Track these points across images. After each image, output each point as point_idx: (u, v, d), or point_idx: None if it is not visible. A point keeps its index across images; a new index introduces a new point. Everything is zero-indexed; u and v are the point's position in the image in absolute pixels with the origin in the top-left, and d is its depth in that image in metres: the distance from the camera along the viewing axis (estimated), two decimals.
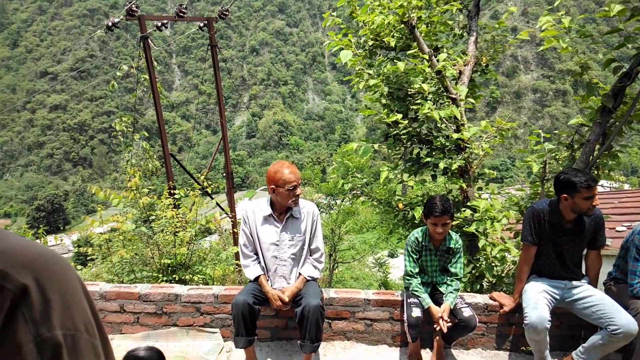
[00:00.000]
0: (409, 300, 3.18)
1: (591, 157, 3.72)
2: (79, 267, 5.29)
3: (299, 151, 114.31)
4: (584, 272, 3.26)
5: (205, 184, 6.87)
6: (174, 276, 4.65)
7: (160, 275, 4.63)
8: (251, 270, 3.14)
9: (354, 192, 5.42)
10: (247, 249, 3.18)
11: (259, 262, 3.17)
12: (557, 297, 3.11)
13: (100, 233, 5.04)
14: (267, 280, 3.14)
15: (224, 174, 12.16)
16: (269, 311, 3.36)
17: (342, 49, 4.45)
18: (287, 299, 3.03)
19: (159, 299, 3.49)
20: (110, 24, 9.72)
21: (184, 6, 10.52)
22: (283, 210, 3.16)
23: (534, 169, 3.99)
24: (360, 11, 4.77)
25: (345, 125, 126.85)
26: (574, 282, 3.12)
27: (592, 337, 2.93)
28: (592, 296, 3.00)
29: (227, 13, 11.94)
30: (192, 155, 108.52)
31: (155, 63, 9.80)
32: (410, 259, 3.26)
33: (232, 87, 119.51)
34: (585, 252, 3.22)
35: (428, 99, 4.21)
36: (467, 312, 3.06)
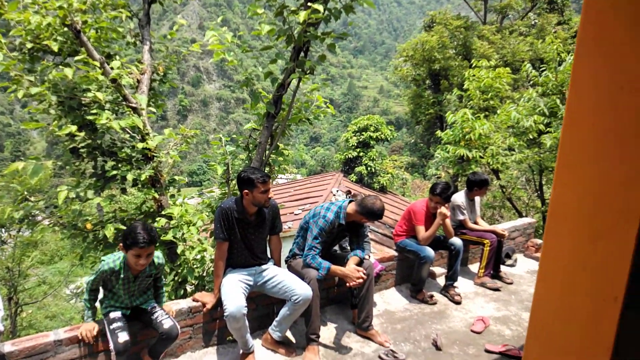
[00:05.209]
0: (111, 327, 2.92)
1: (263, 156, 4.30)
2: None
3: None
4: (269, 255, 3.75)
5: None
6: None
7: None
8: None
9: (30, 219, 4.60)
10: None
11: None
12: (251, 283, 3.47)
13: None
14: None
15: None
16: None
17: None
18: None
19: None
20: None
21: None
22: None
23: (219, 171, 4.31)
24: (9, 7, 4.05)
25: (18, 140, 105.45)
26: (263, 266, 3.55)
27: (281, 310, 3.41)
28: (276, 275, 3.49)
29: None
30: None
31: None
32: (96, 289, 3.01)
33: None
34: (268, 238, 3.71)
35: (106, 108, 3.95)
36: (167, 324, 3.02)
